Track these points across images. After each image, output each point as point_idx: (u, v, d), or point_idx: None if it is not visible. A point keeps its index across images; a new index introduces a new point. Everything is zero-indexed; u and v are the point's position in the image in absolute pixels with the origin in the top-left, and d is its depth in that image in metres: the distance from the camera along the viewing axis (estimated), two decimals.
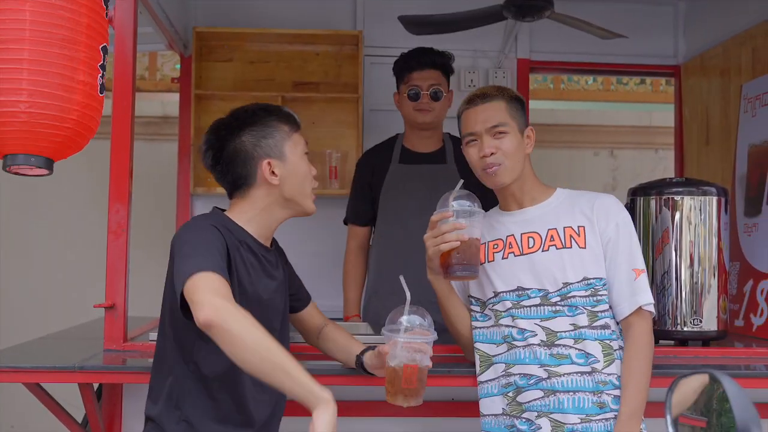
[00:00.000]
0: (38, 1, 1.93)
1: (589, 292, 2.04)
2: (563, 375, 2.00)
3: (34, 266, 5.14)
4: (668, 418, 1.05)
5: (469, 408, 2.43)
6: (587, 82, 5.82)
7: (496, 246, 2.16)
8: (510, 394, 2.07)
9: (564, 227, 2.09)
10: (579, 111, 5.72)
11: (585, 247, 2.06)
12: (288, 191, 2.04)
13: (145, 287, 4.39)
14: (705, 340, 2.72)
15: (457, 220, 2.01)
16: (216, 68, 4.06)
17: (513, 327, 2.08)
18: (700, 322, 2.69)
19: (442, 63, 3.20)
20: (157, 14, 3.30)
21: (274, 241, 2.17)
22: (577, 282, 2.05)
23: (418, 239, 3.19)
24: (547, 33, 4.02)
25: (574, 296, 2.04)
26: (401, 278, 2.03)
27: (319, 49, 4.11)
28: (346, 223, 3.38)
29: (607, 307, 2.06)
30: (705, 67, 3.97)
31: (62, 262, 5.17)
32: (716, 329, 2.71)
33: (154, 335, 2.67)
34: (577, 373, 2.00)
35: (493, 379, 2.12)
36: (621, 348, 2.06)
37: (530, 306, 2.07)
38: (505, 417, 2.08)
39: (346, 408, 2.45)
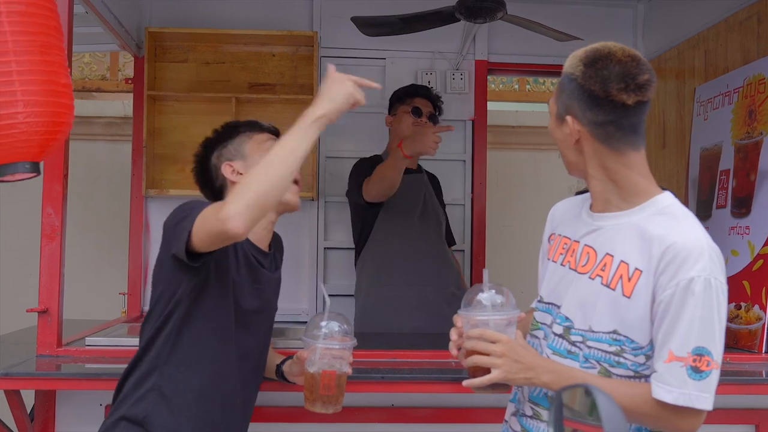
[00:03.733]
0: (13, 11, 1.90)
1: (613, 349, 1.66)
2: (545, 422, 1.74)
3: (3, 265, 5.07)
4: (549, 430, 1.02)
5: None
6: (553, 83, 5.80)
7: (565, 246, 1.83)
8: (513, 408, 1.89)
9: (621, 261, 1.67)
10: (544, 113, 5.67)
11: (630, 297, 1.64)
12: None
13: (104, 291, 4.37)
14: None
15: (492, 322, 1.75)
16: (170, 69, 4.01)
17: (538, 341, 1.81)
18: None
19: (437, 103, 3.59)
20: (103, 14, 3.25)
21: (273, 242, 2.22)
22: (604, 333, 1.67)
23: (416, 243, 3.45)
24: (506, 35, 4.01)
25: (593, 347, 1.68)
26: (321, 283, 2.02)
27: (275, 50, 4.07)
28: (359, 183, 3.40)
29: (630, 373, 1.67)
30: (661, 70, 3.95)
31: (23, 263, 5.11)
32: None
33: (91, 340, 2.64)
34: None
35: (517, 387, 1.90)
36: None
37: (553, 333, 1.77)
38: (505, 424, 1.91)
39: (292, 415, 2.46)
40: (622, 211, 1.71)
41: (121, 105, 5.25)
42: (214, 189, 2.17)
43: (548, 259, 1.88)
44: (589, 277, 1.71)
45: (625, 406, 1.55)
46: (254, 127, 2.18)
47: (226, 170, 2.12)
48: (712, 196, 3.17)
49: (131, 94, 5.26)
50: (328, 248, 4.11)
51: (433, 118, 3.54)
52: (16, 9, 1.86)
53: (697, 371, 1.57)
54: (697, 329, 1.57)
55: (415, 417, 2.56)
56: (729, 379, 2.44)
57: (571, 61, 1.71)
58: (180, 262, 1.89)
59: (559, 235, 1.87)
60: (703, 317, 1.57)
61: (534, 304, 1.89)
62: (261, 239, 2.14)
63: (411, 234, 3.47)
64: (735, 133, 3.07)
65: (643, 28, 4.21)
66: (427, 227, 3.53)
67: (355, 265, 3.58)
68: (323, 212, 4.11)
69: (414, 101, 3.53)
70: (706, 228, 3.15)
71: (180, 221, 1.86)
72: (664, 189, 1.75)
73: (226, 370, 2.01)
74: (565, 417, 1.12)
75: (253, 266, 2.08)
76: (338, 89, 1.80)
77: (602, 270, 1.69)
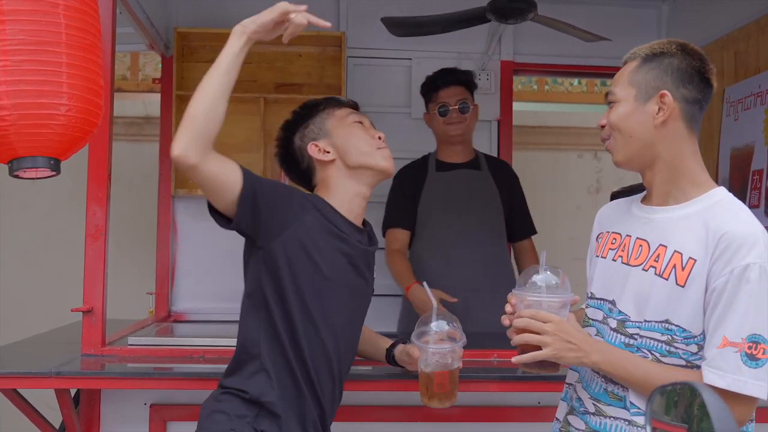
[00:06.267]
0: (70, 5, 1.92)
1: (665, 338, 1.66)
2: (609, 417, 1.73)
3: (10, 268, 5.07)
4: (648, 429, 1.04)
5: None
6: (571, 84, 5.83)
7: (614, 241, 1.83)
8: (566, 408, 1.88)
9: (674, 250, 1.67)
10: (563, 113, 5.72)
11: (683, 286, 1.64)
12: (350, 159, 2.06)
13: (126, 291, 4.37)
14: None
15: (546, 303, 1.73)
16: (198, 69, 4.01)
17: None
18: None
19: (466, 80, 3.48)
20: (138, 14, 3.26)
21: (365, 222, 2.15)
22: (656, 322, 1.67)
23: (459, 239, 3.32)
24: (531, 35, 4.02)
25: (645, 336, 1.69)
26: (425, 284, 2.03)
27: (301, 50, 4.08)
28: (385, 229, 3.46)
29: (681, 363, 1.66)
30: None
31: (39, 263, 5.12)
32: None
33: (133, 339, 2.65)
34: (625, 420, 1.71)
35: (567, 384, 1.90)
36: None
37: (609, 328, 1.77)
38: (558, 423, 1.90)
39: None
40: (679, 204, 1.72)
41: (142, 105, 5.26)
42: (300, 172, 2.14)
43: (596, 256, 1.88)
44: (643, 269, 1.71)
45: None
46: (333, 103, 2.17)
47: (312, 150, 2.07)
48: (744, 195, 3.18)
49: (152, 94, 5.31)
50: None
51: (464, 108, 3.40)
52: (72, 4, 1.87)
53: (752, 358, 1.56)
54: (753, 316, 1.57)
55: (451, 415, 2.56)
56: None
57: (658, 44, 1.76)
58: (248, 245, 1.97)
59: (608, 232, 1.87)
60: (758, 304, 1.57)
61: (585, 303, 1.89)
62: (357, 216, 2.07)
63: (445, 243, 3.35)
64: None
65: (668, 29, 4.22)
66: (471, 228, 3.37)
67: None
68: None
69: (439, 96, 3.42)
70: None
71: None
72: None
73: (320, 338, 1.95)
74: (653, 417, 1.13)
75: (344, 239, 2.01)
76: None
77: (655, 261, 1.70)
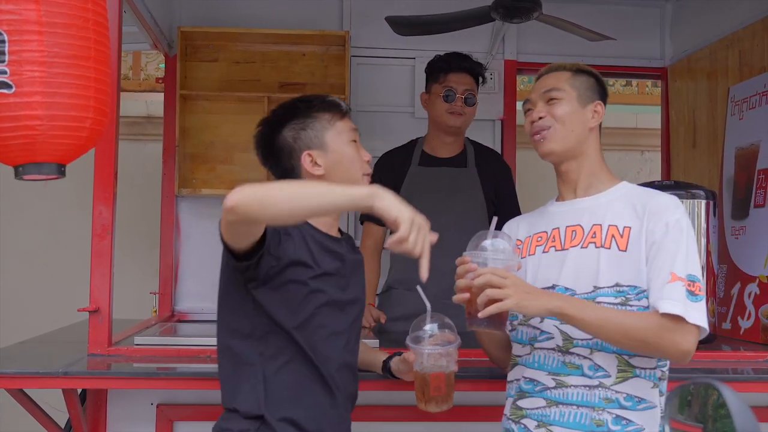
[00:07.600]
0: (98, 22, 1.93)
1: (618, 300, 1.84)
2: (571, 386, 1.86)
3: (11, 268, 5.06)
4: (666, 428, 1.03)
5: None
6: None
7: (539, 239, 2.01)
8: (512, 401, 1.97)
9: (609, 225, 1.89)
10: None
11: (625, 250, 1.86)
12: (336, 179, 1.99)
13: (128, 290, 4.37)
14: None
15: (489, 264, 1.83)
16: (201, 68, 4.02)
17: (538, 329, 1.94)
18: None
19: (477, 72, 3.38)
20: (142, 13, 3.25)
21: (340, 231, 2.11)
22: (608, 287, 1.85)
23: (436, 243, 3.21)
24: (534, 34, 4.01)
25: (601, 302, 1.84)
26: (419, 288, 2.00)
27: (305, 49, 4.07)
28: (362, 221, 3.40)
29: None
30: (692, 70, 3.97)
31: (40, 263, 5.11)
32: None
33: (139, 339, 2.65)
34: (585, 386, 1.85)
35: (513, 381, 2.00)
36: (646, 368, 1.86)
37: None
38: (505, 417, 1.98)
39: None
40: (601, 192, 1.98)
41: (144, 104, 5.25)
42: (282, 169, 2.04)
43: (522, 259, 2.01)
44: (582, 247, 1.91)
45: (634, 331, 1.78)
46: (335, 110, 2.05)
47: (305, 160, 1.99)
48: (749, 195, 3.18)
49: (154, 94, 5.31)
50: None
51: (470, 99, 3.28)
52: (99, 19, 1.89)
53: (693, 294, 1.79)
54: (690, 258, 1.83)
55: (451, 415, 2.53)
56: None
57: (574, 65, 2.07)
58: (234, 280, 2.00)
59: (528, 237, 2.06)
60: (690, 249, 1.84)
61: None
62: (330, 226, 2.03)
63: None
64: None
65: (671, 28, 4.22)
66: (449, 231, 3.07)
67: None
68: (352, 214, 4.10)
69: (448, 79, 3.28)
70: (743, 227, 3.18)
71: None
72: None
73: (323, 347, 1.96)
74: (671, 417, 1.13)
75: (330, 250, 1.99)
76: (407, 209, 1.66)
77: (593, 237, 1.91)
